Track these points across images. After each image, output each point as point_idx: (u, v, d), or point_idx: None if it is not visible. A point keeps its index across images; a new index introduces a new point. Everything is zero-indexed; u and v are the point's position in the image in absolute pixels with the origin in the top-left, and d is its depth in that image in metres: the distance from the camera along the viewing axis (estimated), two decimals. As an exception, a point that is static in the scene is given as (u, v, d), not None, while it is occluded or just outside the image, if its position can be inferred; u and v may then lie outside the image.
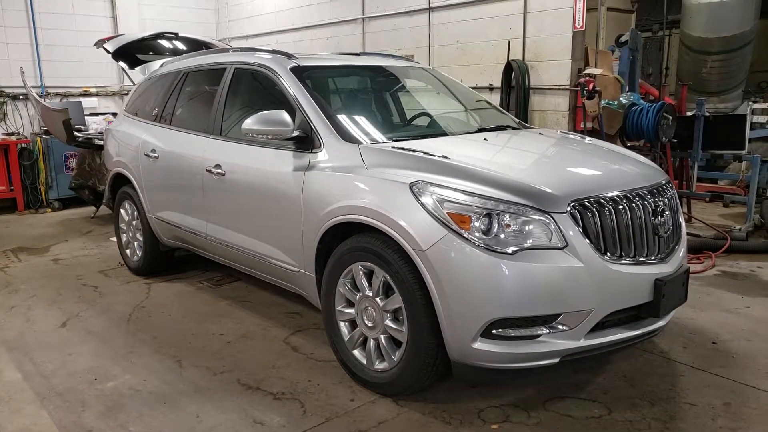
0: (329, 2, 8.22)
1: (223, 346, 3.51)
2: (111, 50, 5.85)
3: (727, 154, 6.62)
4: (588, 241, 2.50)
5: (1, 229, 6.81)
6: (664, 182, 2.99)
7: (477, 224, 2.46)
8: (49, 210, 7.77)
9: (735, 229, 5.45)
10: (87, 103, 8.44)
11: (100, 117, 8.09)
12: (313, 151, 3.16)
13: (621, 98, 6.02)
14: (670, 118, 5.72)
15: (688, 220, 6.12)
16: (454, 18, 6.82)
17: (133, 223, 4.85)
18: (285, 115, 3.16)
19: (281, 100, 3.44)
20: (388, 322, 2.78)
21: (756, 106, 7.98)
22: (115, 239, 5.38)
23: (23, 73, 7.64)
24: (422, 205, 2.57)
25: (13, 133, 7.92)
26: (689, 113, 6.41)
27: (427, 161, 2.78)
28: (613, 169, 3.03)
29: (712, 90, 8.67)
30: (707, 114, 6.15)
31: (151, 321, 3.92)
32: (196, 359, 3.34)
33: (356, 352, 2.99)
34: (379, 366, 2.87)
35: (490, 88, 6.58)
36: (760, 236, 5.58)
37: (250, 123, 3.18)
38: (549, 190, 2.54)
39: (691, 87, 7.69)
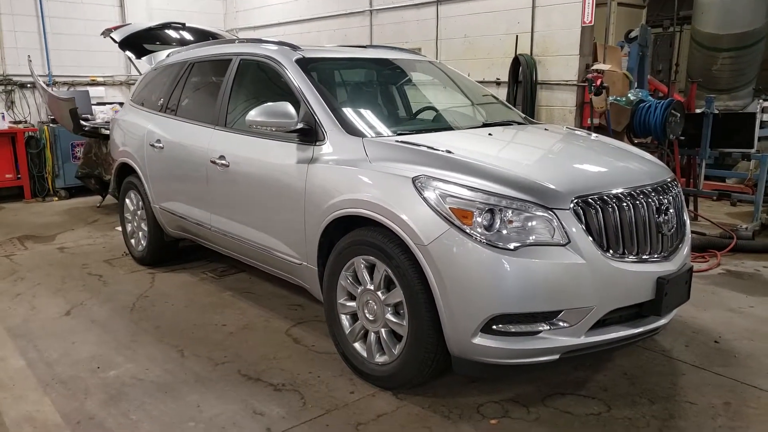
0: (337, -6, 8.20)
1: (225, 336, 3.52)
2: (118, 39, 5.85)
3: (735, 152, 6.57)
4: (591, 238, 2.49)
5: (8, 217, 6.86)
6: (669, 180, 2.97)
7: (479, 220, 2.45)
8: (56, 198, 7.82)
9: (741, 228, 5.41)
10: (94, 92, 8.46)
11: (107, 106, 8.10)
12: (317, 143, 3.15)
13: (629, 95, 5.97)
14: (678, 115, 5.68)
15: (695, 219, 6.08)
16: (462, 11, 6.78)
17: (138, 213, 4.86)
18: (289, 107, 3.16)
19: (286, 92, 3.44)
20: (389, 316, 2.78)
21: (766, 104, 7.90)
22: (120, 229, 5.41)
23: (30, 61, 7.66)
24: (425, 199, 2.56)
25: (20, 122, 7.96)
26: (698, 111, 6.36)
27: (431, 156, 2.78)
28: (617, 166, 3.01)
29: (722, 87, 8.60)
30: (716, 112, 6.10)
31: (154, 310, 3.94)
32: (197, 349, 3.36)
33: (357, 345, 2.99)
34: (380, 359, 2.88)
35: (498, 83, 6.55)
36: (767, 236, 5.54)
37: (254, 114, 3.18)
38: (552, 187, 2.53)
39: (700, 84, 7.63)
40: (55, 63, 8.28)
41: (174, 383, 2.99)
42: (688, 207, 4.77)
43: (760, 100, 8.10)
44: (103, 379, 3.04)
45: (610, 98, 5.80)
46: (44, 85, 7.20)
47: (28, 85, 8.08)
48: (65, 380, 3.03)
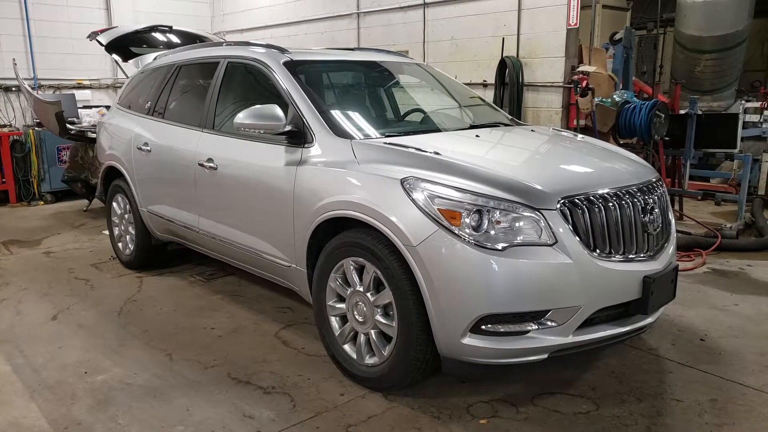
0: (324, -3, 8.21)
1: (214, 340, 3.51)
2: (104, 43, 5.82)
3: (719, 152, 6.65)
4: (577, 238, 2.52)
5: (-7, 221, 6.78)
6: (654, 180, 3.01)
7: (467, 220, 2.47)
8: (42, 203, 7.74)
9: (726, 228, 5.48)
10: (80, 95, 8.40)
11: (94, 109, 8.05)
12: (306, 146, 3.16)
13: (614, 96, 6.03)
14: (663, 116, 5.74)
15: (680, 218, 6.15)
16: (449, 14, 6.82)
17: (126, 216, 4.83)
18: (277, 110, 3.16)
19: (274, 95, 3.44)
20: (379, 317, 2.79)
21: (748, 105, 8.02)
22: (107, 232, 5.37)
23: (15, 64, 7.59)
24: (413, 201, 2.58)
25: (5, 125, 7.88)
26: (682, 111, 6.44)
27: (419, 157, 2.79)
28: (603, 166, 3.04)
29: (705, 88, 8.70)
30: (700, 112, 6.17)
31: (142, 315, 3.91)
32: (186, 353, 3.34)
33: (347, 347, 3.00)
34: (369, 361, 2.88)
35: (484, 85, 6.59)
36: (751, 234, 5.62)
37: (242, 117, 3.17)
38: (539, 187, 2.56)
39: (684, 85, 7.71)
40: (40, 66, 8.21)
41: (163, 387, 2.97)
42: (673, 206, 4.83)
43: (743, 101, 8.22)
44: (91, 383, 3.02)
45: (596, 99, 5.86)
46: (29, 89, 7.13)
47: (13, 89, 8.00)
48: (52, 385, 3.00)
